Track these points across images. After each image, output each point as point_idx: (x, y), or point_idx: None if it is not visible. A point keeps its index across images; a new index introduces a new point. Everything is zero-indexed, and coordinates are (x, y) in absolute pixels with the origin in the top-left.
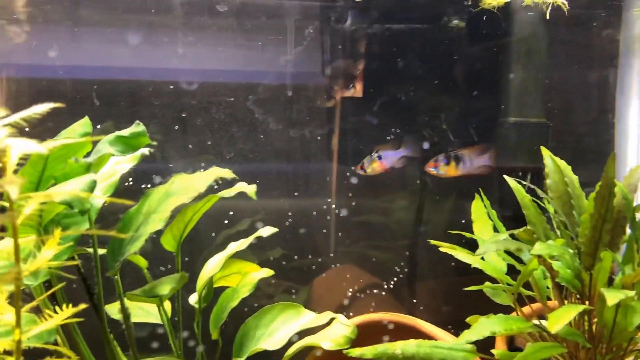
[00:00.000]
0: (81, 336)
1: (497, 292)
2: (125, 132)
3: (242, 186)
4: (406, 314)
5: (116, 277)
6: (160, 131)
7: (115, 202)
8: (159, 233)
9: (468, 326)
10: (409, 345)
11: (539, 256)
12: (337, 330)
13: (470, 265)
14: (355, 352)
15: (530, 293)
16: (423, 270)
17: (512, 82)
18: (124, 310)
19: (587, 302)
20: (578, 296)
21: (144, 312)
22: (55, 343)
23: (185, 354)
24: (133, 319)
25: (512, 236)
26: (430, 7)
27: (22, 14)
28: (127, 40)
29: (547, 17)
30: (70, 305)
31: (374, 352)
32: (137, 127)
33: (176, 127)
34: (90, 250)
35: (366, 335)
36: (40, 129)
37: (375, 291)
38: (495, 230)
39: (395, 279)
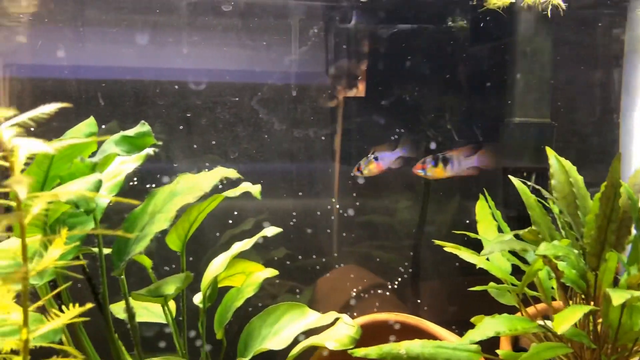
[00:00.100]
0: (86, 335)
1: (502, 292)
2: (130, 132)
3: (246, 186)
4: (410, 314)
5: (122, 276)
6: (165, 131)
7: (120, 202)
8: (163, 232)
9: (472, 326)
10: (414, 345)
11: (544, 256)
12: (342, 331)
13: (473, 265)
14: (360, 352)
15: (534, 293)
16: (427, 270)
17: (517, 82)
18: (129, 310)
19: (592, 303)
20: (583, 297)
21: (148, 312)
22: (61, 342)
23: (190, 353)
24: (137, 319)
25: (517, 236)
26: (435, 7)
27: (27, 14)
28: (132, 40)
29: (550, 17)
30: (77, 304)
31: (379, 352)
32: (143, 127)
33: (181, 127)
34: (96, 249)
35: (370, 335)
36: (45, 129)
37: (379, 291)
38: (500, 230)
39: (399, 279)
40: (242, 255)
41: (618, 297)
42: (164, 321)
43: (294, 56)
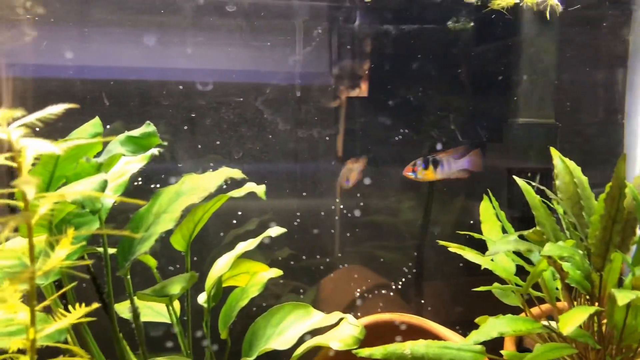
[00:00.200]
0: (91, 335)
1: (506, 292)
2: (136, 132)
3: (251, 186)
4: (414, 314)
5: (127, 276)
6: (170, 131)
7: (124, 202)
8: (168, 233)
9: (476, 327)
10: (418, 346)
11: (549, 257)
12: (346, 331)
13: (477, 265)
14: (365, 352)
15: (539, 294)
16: (431, 270)
17: (522, 83)
18: (134, 310)
19: (596, 304)
20: (587, 297)
21: (152, 312)
22: (66, 342)
23: (195, 353)
24: (142, 319)
25: (522, 237)
26: (438, 8)
27: (32, 13)
28: (136, 40)
29: (551, 18)
30: (83, 304)
31: (383, 352)
32: (148, 127)
33: (185, 128)
34: (101, 249)
35: (374, 335)
36: (50, 129)
37: (383, 291)
38: (504, 231)
39: (403, 279)
40: (247, 255)
41: (623, 297)
42: (168, 321)
43: (298, 56)
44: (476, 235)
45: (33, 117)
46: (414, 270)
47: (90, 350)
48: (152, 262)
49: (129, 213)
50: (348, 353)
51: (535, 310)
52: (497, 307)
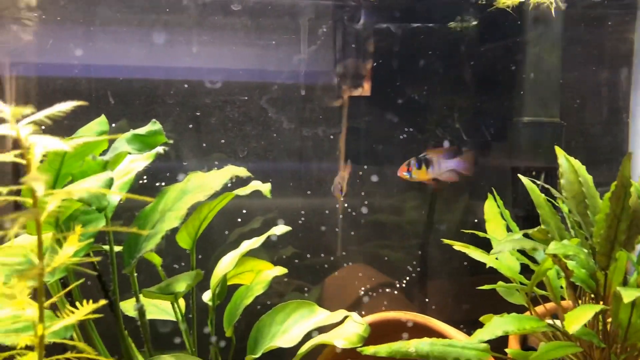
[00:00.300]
0: (96, 332)
1: (511, 291)
2: (142, 131)
3: (257, 184)
4: (418, 313)
5: (133, 274)
6: (175, 130)
7: (130, 199)
8: (173, 230)
9: (480, 325)
10: (423, 344)
11: (554, 256)
12: (351, 329)
13: (482, 264)
14: (369, 350)
15: (543, 292)
16: (435, 269)
17: (526, 81)
18: (139, 307)
19: (601, 302)
20: (592, 296)
21: (158, 309)
22: (72, 339)
23: (200, 350)
24: (147, 316)
25: (527, 235)
26: (443, 7)
27: (37, 13)
28: (142, 39)
29: (557, 16)
30: (91, 301)
31: (388, 350)
32: (154, 125)
33: (190, 126)
34: (106, 247)
35: (379, 333)
36: (55, 127)
37: (387, 290)
38: (509, 230)
39: (407, 277)
40: (251, 254)
41: (629, 295)
42: (173, 318)
43: (303, 55)
44: (481, 234)
45: (41, 115)
46: (419, 269)
47: (95, 348)
48: (157, 259)
49: (134, 211)
50: (353, 351)
51: (539, 308)
52: (501, 306)
